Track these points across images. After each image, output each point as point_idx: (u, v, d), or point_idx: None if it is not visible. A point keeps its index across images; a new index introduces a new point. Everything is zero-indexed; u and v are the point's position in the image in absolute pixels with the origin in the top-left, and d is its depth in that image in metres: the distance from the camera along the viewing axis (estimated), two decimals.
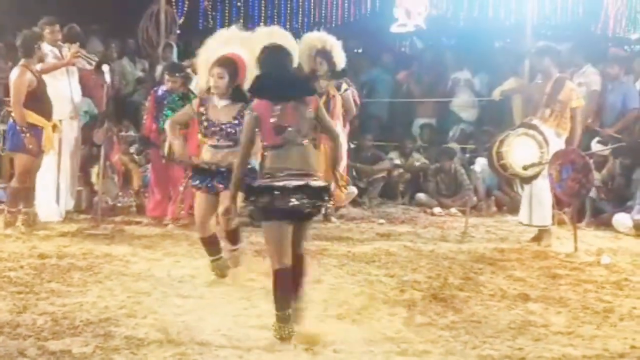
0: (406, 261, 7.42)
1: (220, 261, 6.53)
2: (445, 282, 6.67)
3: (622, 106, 10.33)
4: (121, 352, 4.83)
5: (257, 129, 5.10)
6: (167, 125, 6.53)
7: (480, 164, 10.48)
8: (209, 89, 6.32)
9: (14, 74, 8.19)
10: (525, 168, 8.03)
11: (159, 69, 10.28)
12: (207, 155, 6.28)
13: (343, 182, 5.83)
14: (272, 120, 5.03)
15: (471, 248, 8.12)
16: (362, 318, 5.63)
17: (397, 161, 11.28)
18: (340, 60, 9.24)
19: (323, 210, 5.53)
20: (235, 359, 4.79)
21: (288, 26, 14.47)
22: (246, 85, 6.00)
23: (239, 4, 17.23)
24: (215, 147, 6.22)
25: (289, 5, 17.10)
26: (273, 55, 5.32)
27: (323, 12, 17.01)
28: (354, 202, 10.45)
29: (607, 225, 9.29)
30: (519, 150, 8.05)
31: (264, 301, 5.82)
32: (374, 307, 5.91)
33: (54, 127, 8.44)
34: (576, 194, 7.92)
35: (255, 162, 5.47)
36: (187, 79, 9.06)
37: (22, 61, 8.22)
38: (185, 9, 14.87)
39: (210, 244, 6.52)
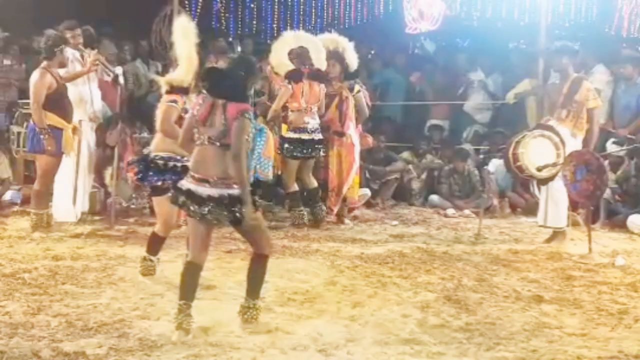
0: (419, 263, 7.41)
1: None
2: (459, 284, 6.66)
3: (637, 107, 10.30)
4: (135, 354, 4.84)
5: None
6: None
7: (494, 165, 10.45)
8: None
9: (35, 76, 8.28)
10: (539, 169, 8.01)
11: (172, 71, 10.29)
12: None
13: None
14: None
15: (485, 249, 8.10)
16: (376, 319, 5.62)
17: (410, 163, 11.26)
18: (353, 61, 9.27)
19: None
20: None
21: (301, 28, 14.44)
22: None
23: (252, 5, 17.24)
24: None
25: (301, 7, 17.09)
26: (236, 61, 5.54)
27: (336, 13, 16.99)
28: (367, 204, 10.45)
29: (621, 226, 9.25)
30: (536, 152, 8.01)
31: (277, 304, 5.84)
32: (387, 308, 5.90)
33: (74, 129, 8.52)
34: (591, 195, 7.89)
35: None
36: None
37: (43, 63, 8.30)
38: (199, 10, 14.87)
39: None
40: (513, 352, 5.01)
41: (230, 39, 14.59)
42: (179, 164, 6.19)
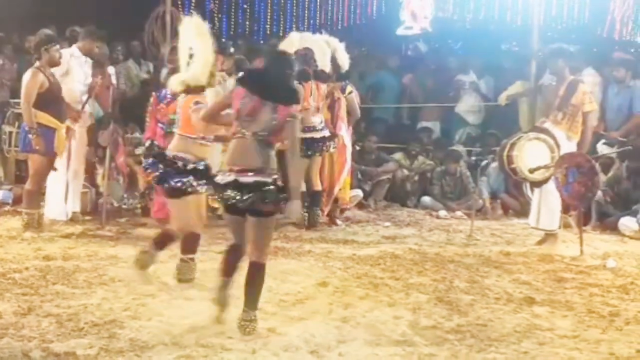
0: (411, 264, 7.40)
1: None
2: (450, 285, 6.66)
3: (629, 110, 10.32)
4: (126, 354, 4.82)
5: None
6: None
7: (487, 166, 10.46)
8: None
9: (27, 75, 8.30)
10: (531, 171, 8.02)
11: (164, 71, 10.28)
12: None
13: None
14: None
15: (477, 251, 8.10)
16: (367, 321, 5.62)
17: (403, 166, 11.25)
18: (344, 62, 9.29)
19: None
20: None
21: (294, 29, 14.43)
22: None
23: (245, 6, 17.24)
24: None
25: (294, 8, 17.10)
26: (278, 60, 5.50)
27: (329, 14, 17.00)
28: (360, 205, 10.45)
29: (613, 228, 9.27)
30: (530, 155, 8.02)
31: (270, 304, 5.83)
32: (379, 310, 5.90)
33: (67, 129, 8.52)
34: (582, 198, 7.90)
35: None
36: None
37: (36, 63, 8.32)
38: (192, 11, 14.85)
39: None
40: (504, 354, 5.01)
41: (223, 40, 14.56)
42: (200, 166, 6.19)
